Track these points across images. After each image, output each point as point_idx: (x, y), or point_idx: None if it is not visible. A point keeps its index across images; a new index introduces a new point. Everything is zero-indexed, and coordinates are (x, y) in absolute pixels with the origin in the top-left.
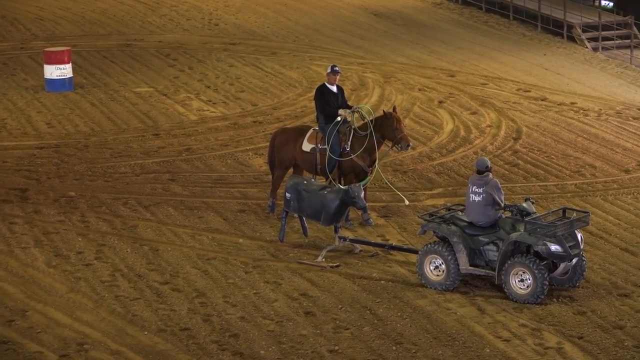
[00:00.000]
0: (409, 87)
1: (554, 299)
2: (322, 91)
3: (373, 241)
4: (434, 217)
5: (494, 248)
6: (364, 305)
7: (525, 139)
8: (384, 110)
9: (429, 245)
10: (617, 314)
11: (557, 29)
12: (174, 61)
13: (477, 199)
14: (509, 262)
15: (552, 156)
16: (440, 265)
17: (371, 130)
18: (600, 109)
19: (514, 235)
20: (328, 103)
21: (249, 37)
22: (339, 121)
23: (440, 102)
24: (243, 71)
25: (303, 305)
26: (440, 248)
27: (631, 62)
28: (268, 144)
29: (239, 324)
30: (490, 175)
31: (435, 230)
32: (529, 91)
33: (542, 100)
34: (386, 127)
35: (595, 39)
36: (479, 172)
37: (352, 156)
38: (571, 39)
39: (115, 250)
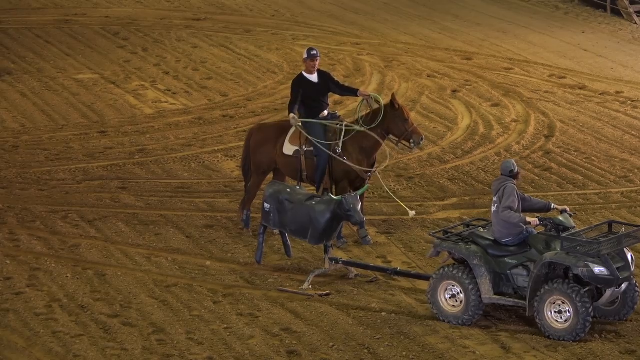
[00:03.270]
0: (415, 72)
1: (596, 335)
2: (297, 84)
3: (372, 264)
4: (449, 234)
5: (524, 272)
6: (361, 343)
7: (560, 137)
8: (393, 96)
9: (444, 270)
10: None
11: (599, 1)
12: (124, 41)
13: (493, 208)
14: (544, 289)
15: (593, 158)
16: (457, 293)
17: (374, 126)
18: None
19: (549, 255)
20: (296, 99)
21: (216, 11)
22: (327, 114)
23: (454, 91)
24: (210, 53)
25: (285, 343)
26: (458, 273)
27: None
28: (238, 143)
29: None
30: (509, 181)
31: (452, 251)
32: (563, 77)
33: (580, 88)
34: (392, 119)
35: None
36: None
37: (344, 159)
38: (616, 12)
39: (52, 276)
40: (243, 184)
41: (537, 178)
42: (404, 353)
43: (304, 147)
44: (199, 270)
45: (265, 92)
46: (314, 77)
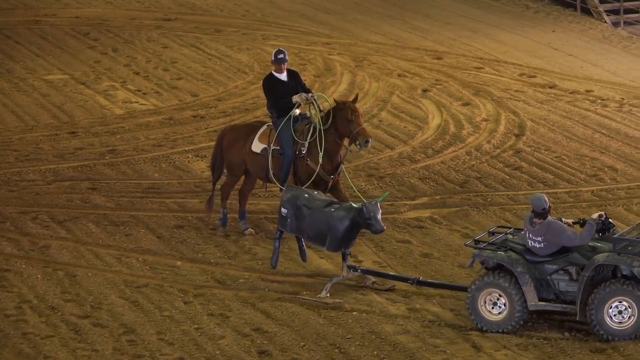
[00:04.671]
0: (385, 72)
1: (566, 333)
2: (269, 84)
3: (392, 273)
4: (480, 242)
5: (566, 276)
6: (332, 343)
7: (530, 136)
8: (335, 99)
9: (486, 279)
10: None
11: (569, 0)
12: (94, 42)
13: (537, 245)
14: (603, 291)
15: (563, 157)
16: (500, 301)
17: (326, 127)
18: (623, 98)
19: (601, 258)
20: (279, 96)
21: (187, 11)
22: (297, 114)
23: (424, 90)
24: (180, 53)
25: (256, 343)
26: (502, 281)
27: None
28: (209, 143)
29: None
30: (549, 218)
31: (493, 260)
32: (534, 76)
33: (551, 87)
34: (339, 119)
35: (615, 12)
36: (535, 215)
37: (308, 160)
38: (586, 11)
39: (22, 277)
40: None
41: (507, 177)
42: (375, 352)
43: (271, 146)
44: (169, 271)
45: (236, 92)
46: (283, 76)
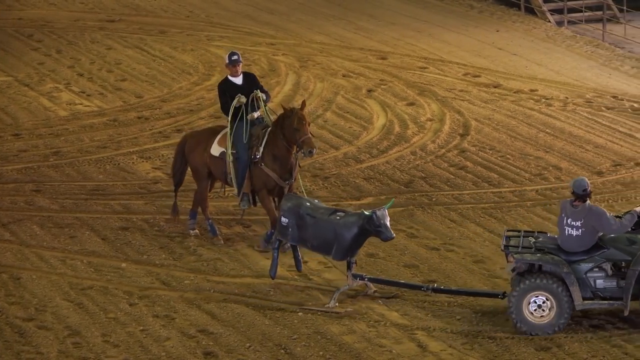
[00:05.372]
0: (330, 72)
1: (511, 332)
2: (222, 88)
3: (403, 281)
4: (515, 247)
5: (601, 273)
6: (277, 343)
7: (475, 135)
8: (283, 106)
9: (531, 282)
10: (589, 350)
11: None
12: (37, 43)
13: (575, 233)
14: None
15: (508, 156)
16: (544, 303)
17: (273, 132)
18: (567, 98)
19: None
20: (227, 101)
21: (131, 13)
22: (255, 118)
23: (369, 90)
24: (124, 55)
25: (202, 345)
26: (549, 283)
27: (603, 39)
28: (154, 144)
29: None
30: (589, 201)
31: (537, 263)
32: (478, 76)
33: (495, 87)
34: (286, 126)
35: (559, 11)
36: (576, 197)
37: (262, 165)
38: (530, 11)
39: None
40: (158, 185)
41: (452, 177)
42: (321, 353)
43: (229, 150)
44: (114, 273)
45: (180, 93)
46: (238, 80)
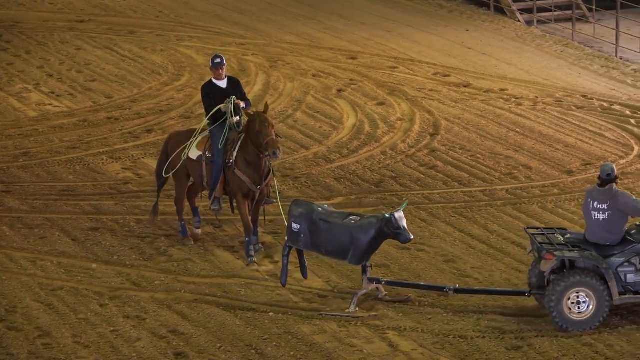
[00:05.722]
0: (300, 72)
1: (482, 331)
2: (206, 91)
3: (423, 283)
4: (550, 245)
5: (631, 268)
6: (248, 344)
7: (445, 135)
8: (245, 112)
9: (572, 279)
10: (559, 349)
11: None
12: (6, 44)
13: (602, 217)
14: None
15: (478, 156)
16: (584, 300)
17: (245, 137)
18: (537, 97)
19: None
20: (212, 104)
21: (100, 13)
22: (235, 123)
23: (339, 90)
24: (94, 55)
25: (173, 345)
26: (588, 279)
27: (573, 38)
28: (124, 145)
29: None
30: (615, 185)
31: (576, 260)
32: (448, 76)
33: (465, 86)
34: (251, 130)
35: (529, 11)
36: (601, 182)
37: (236, 169)
38: (500, 10)
39: None
40: (128, 186)
41: (422, 176)
42: (292, 353)
43: (206, 153)
44: (85, 273)
45: (150, 94)
46: (222, 83)
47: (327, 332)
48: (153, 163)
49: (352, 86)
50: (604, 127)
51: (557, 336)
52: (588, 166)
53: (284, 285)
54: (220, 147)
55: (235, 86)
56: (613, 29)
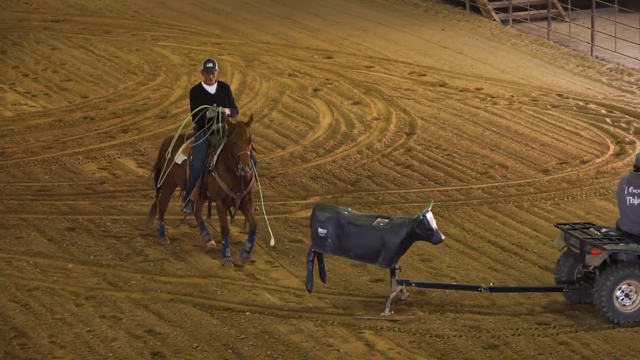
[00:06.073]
0: (276, 72)
1: (458, 330)
2: (194, 94)
3: (454, 283)
4: (593, 239)
5: None
6: (225, 343)
7: (421, 134)
8: (229, 120)
9: (622, 271)
10: (536, 347)
11: None
12: None
13: (637, 201)
14: None
15: (454, 155)
16: (632, 292)
17: (226, 143)
18: (512, 96)
19: None
20: (197, 107)
21: (76, 13)
22: (215, 129)
23: (315, 90)
24: (69, 55)
25: (149, 345)
26: (637, 271)
27: (549, 37)
28: (99, 145)
29: None
30: None
31: (625, 252)
32: (424, 75)
33: (441, 85)
34: (230, 139)
35: (504, 10)
36: (637, 168)
37: (215, 174)
38: (475, 9)
39: None
40: (104, 185)
41: (399, 175)
42: (269, 352)
43: (190, 158)
44: (61, 273)
45: (126, 94)
46: (212, 88)
47: (304, 331)
48: (129, 163)
49: (328, 85)
50: (580, 126)
51: (534, 335)
52: (564, 165)
53: (309, 291)
54: (200, 151)
55: (224, 92)
56: (588, 28)
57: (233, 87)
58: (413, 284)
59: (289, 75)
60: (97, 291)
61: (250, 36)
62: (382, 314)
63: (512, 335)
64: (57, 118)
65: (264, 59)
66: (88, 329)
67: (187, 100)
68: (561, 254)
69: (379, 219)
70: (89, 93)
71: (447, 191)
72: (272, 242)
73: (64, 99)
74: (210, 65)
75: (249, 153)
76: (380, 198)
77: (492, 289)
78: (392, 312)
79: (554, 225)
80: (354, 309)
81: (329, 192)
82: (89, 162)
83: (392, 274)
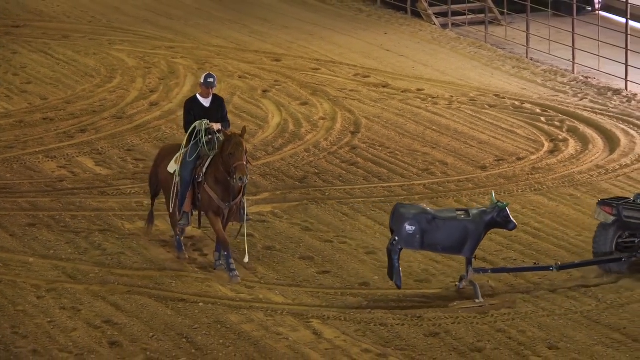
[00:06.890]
0: (227, 74)
1: (401, 319)
2: (188, 106)
3: (528, 266)
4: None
5: None
6: (179, 333)
7: (365, 133)
8: (224, 132)
9: None
10: (475, 335)
11: (400, 3)
12: None
13: None
14: None
15: (397, 152)
16: None
17: (217, 155)
18: (452, 96)
19: None
20: (190, 120)
21: (35, 18)
22: (203, 142)
23: (264, 91)
24: (29, 59)
25: (107, 335)
26: None
27: (486, 40)
28: (59, 144)
29: (30, 359)
30: None
31: None
32: (368, 77)
33: (384, 87)
34: (224, 150)
35: (444, 14)
36: None
37: (206, 185)
38: (416, 14)
39: None
40: (64, 183)
41: (344, 172)
42: (221, 341)
43: (178, 168)
44: (22, 267)
45: (84, 95)
46: (206, 101)
47: (255, 321)
48: (87, 161)
49: (277, 87)
50: (516, 124)
51: (473, 323)
52: (501, 162)
53: (399, 287)
54: (188, 163)
55: (218, 105)
56: (523, 31)
57: (186, 89)
58: (489, 271)
59: (239, 77)
60: (57, 284)
61: (202, 40)
62: (477, 300)
63: (452, 323)
64: (17, 119)
65: (215, 62)
66: (49, 319)
67: (142, 102)
68: (597, 229)
69: (458, 212)
70: (49, 95)
71: (390, 187)
72: (247, 259)
73: (25, 101)
74: (211, 80)
75: (246, 163)
76: (327, 194)
77: (560, 267)
78: (482, 299)
79: (598, 202)
80: (303, 299)
81: (277, 188)
82: (48, 160)
83: (469, 262)
